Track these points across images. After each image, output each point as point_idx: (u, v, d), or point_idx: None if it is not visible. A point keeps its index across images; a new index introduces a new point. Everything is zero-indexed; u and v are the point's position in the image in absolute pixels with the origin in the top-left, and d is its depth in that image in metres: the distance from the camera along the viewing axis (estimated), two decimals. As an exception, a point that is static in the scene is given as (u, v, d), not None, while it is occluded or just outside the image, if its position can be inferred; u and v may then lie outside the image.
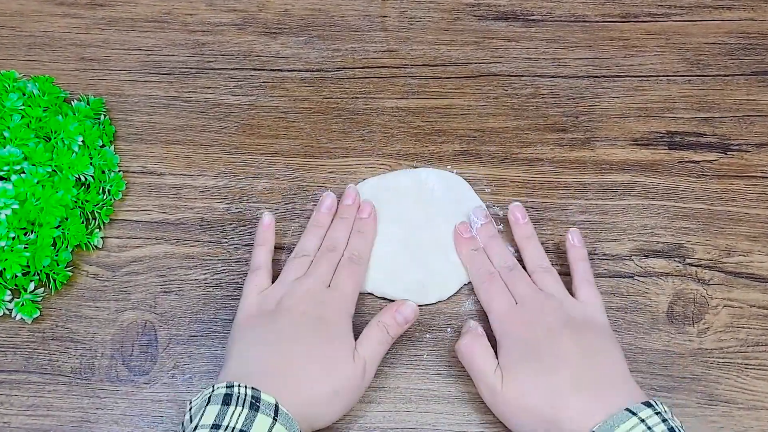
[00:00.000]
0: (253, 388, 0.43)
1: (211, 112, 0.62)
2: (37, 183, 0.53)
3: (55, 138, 0.56)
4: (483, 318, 0.53)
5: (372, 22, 0.66)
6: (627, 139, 0.61)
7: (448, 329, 0.54)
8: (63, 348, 0.53)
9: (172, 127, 0.61)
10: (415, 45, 0.65)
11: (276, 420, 0.43)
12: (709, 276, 0.56)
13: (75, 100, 0.60)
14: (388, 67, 0.64)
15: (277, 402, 0.43)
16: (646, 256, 0.56)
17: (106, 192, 0.57)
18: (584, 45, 0.65)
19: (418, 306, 0.54)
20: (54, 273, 0.54)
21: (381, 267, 0.55)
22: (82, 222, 0.56)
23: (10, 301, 0.53)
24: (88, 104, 0.60)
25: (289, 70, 0.64)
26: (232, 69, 0.64)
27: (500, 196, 0.59)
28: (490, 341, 0.50)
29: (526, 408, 0.46)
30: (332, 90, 0.63)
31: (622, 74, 0.64)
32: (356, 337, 0.49)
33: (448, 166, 0.60)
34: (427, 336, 0.54)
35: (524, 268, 0.54)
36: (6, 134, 0.55)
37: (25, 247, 0.52)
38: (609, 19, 0.66)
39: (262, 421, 0.42)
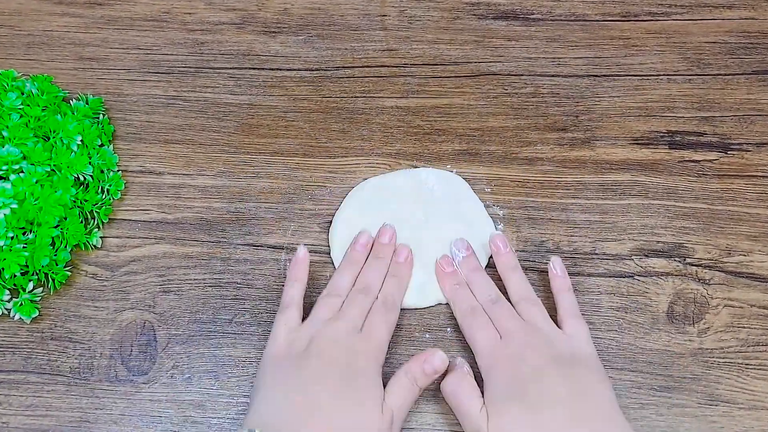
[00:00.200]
0: None
1: (210, 111, 0.62)
2: (36, 182, 0.53)
3: (53, 137, 0.56)
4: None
5: (371, 21, 0.66)
6: (627, 138, 0.61)
7: (448, 329, 0.54)
8: (62, 348, 0.53)
9: (171, 127, 0.61)
10: (414, 44, 0.65)
11: None
12: (709, 276, 0.56)
13: (74, 100, 0.60)
14: (388, 67, 0.64)
15: None
16: (646, 255, 0.56)
17: (105, 191, 0.57)
18: (584, 44, 0.65)
19: (418, 307, 0.54)
20: (53, 273, 0.54)
21: (371, 251, 0.55)
22: (81, 222, 0.55)
23: (8, 301, 0.53)
24: (87, 103, 0.60)
25: (288, 70, 0.64)
26: (231, 68, 0.64)
27: (500, 196, 0.59)
28: (477, 381, 0.49)
29: None
30: (331, 89, 0.63)
31: (622, 73, 0.64)
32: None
33: (448, 166, 0.60)
34: (427, 336, 0.54)
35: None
36: (5, 133, 0.55)
37: (23, 247, 0.52)
38: (609, 18, 0.66)
39: None
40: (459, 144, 0.61)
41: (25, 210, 0.52)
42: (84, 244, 0.56)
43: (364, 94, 0.63)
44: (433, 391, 0.52)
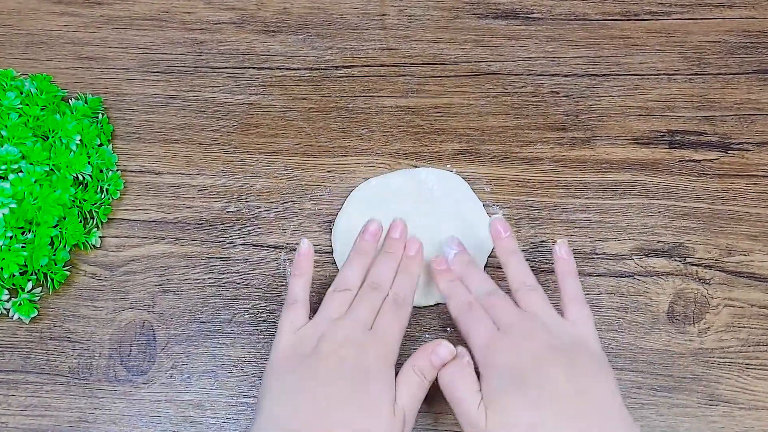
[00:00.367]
0: None
1: (210, 110, 0.62)
2: (35, 182, 0.53)
3: (52, 137, 0.56)
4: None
5: (371, 21, 0.66)
6: (627, 137, 0.61)
7: (448, 329, 0.54)
8: (61, 348, 0.53)
9: (170, 126, 0.61)
10: (414, 43, 0.65)
11: None
12: (709, 275, 0.55)
13: (73, 99, 0.60)
14: (388, 66, 0.64)
15: None
16: (646, 255, 0.56)
17: (104, 191, 0.57)
18: (584, 43, 0.65)
19: (419, 306, 0.54)
20: (52, 272, 0.54)
21: (382, 245, 0.54)
22: (80, 221, 0.55)
23: (7, 301, 0.53)
24: (86, 103, 0.60)
25: (287, 69, 0.64)
26: (230, 67, 0.64)
27: (500, 195, 0.58)
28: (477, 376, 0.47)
29: None
30: (331, 88, 0.63)
31: (622, 73, 0.64)
32: None
33: (448, 165, 0.60)
34: (427, 336, 0.54)
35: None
36: (3, 133, 0.55)
37: (22, 247, 0.52)
38: (609, 18, 0.66)
39: None
40: (459, 143, 0.60)
41: (24, 209, 0.52)
42: (83, 243, 0.56)
43: (364, 94, 0.63)
44: (433, 392, 0.52)
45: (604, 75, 0.63)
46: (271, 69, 0.64)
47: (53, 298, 0.55)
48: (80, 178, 0.56)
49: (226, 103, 0.62)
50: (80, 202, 0.56)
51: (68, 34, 0.65)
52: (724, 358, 0.53)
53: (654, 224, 0.57)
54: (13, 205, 0.52)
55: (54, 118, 0.57)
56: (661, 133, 0.61)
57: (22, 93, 0.57)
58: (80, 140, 0.57)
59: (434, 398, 0.51)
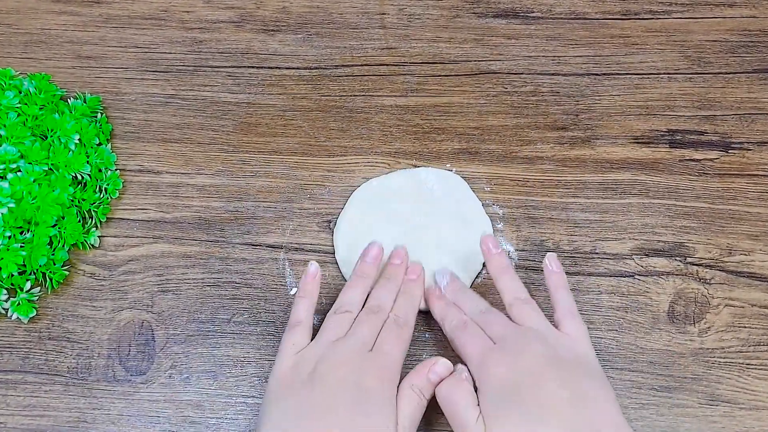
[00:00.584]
0: None
1: (209, 110, 0.62)
2: (34, 181, 0.53)
3: (51, 136, 0.56)
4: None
5: (371, 20, 0.66)
6: (627, 137, 0.61)
7: (448, 329, 0.54)
8: (59, 348, 0.53)
9: (169, 126, 0.61)
10: (414, 42, 0.65)
11: None
12: (710, 275, 0.55)
13: (71, 98, 0.60)
14: (387, 65, 0.64)
15: None
16: (646, 255, 0.56)
17: (103, 190, 0.57)
18: (584, 42, 0.65)
19: (421, 311, 0.54)
20: (50, 272, 0.54)
21: (383, 272, 0.54)
22: (79, 221, 0.55)
23: (6, 301, 0.53)
24: (85, 102, 0.60)
25: (287, 68, 0.64)
26: (229, 67, 0.64)
27: (500, 195, 0.58)
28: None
29: None
30: (331, 88, 0.63)
31: (622, 72, 0.63)
32: None
33: (448, 165, 0.60)
34: (427, 336, 0.54)
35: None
36: (2, 132, 0.54)
37: (21, 246, 0.52)
38: (609, 17, 0.66)
39: None
40: (459, 143, 0.60)
41: (23, 209, 0.52)
42: (82, 243, 0.55)
43: (363, 93, 0.63)
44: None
45: (605, 74, 0.63)
46: (271, 68, 0.64)
47: (52, 297, 0.55)
48: (79, 177, 0.56)
49: (225, 102, 0.62)
50: (79, 202, 0.56)
51: (67, 33, 0.65)
52: (724, 358, 0.53)
53: (654, 224, 0.57)
54: (11, 205, 0.51)
55: (53, 118, 0.56)
56: (662, 133, 0.61)
57: (20, 92, 0.57)
58: (79, 139, 0.56)
59: (434, 398, 0.51)
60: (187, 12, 0.66)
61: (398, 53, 0.64)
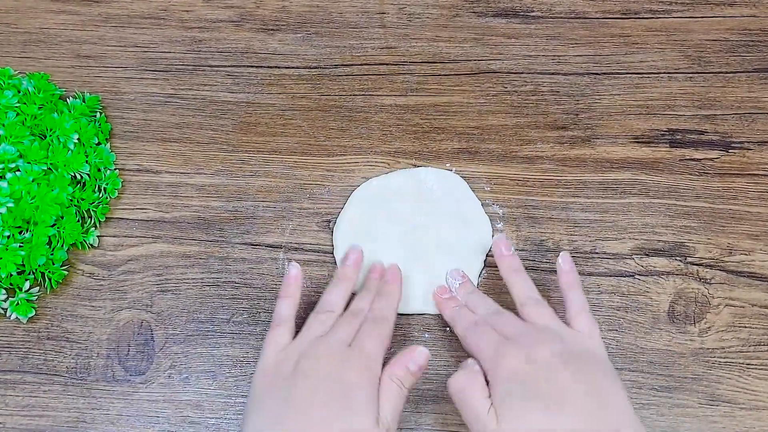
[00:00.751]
0: None
1: (208, 109, 0.62)
2: (33, 181, 0.53)
3: (50, 136, 0.56)
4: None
5: (370, 19, 0.66)
6: (628, 136, 0.60)
7: (447, 329, 0.54)
8: (58, 348, 0.53)
9: (168, 125, 0.61)
10: (413, 42, 0.65)
11: None
12: (710, 275, 0.55)
13: (70, 98, 0.60)
14: (387, 64, 0.64)
15: None
16: (647, 254, 0.56)
17: (102, 190, 0.57)
18: (584, 42, 0.65)
19: (424, 314, 0.54)
20: (49, 272, 0.54)
21: (364, 284, 0.54)
22: (78, 220, 0.55)
23: (5, 301, 0.53)
24: (84, 102, 0.60)
25: (286, 67, 0.64)
26: (229, 66, 0.63)
27: (500, 195, 0.58)
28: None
29: None
30: (330, 87, 0.63)
31: (622, 71, 0.63)
32: None
33: (447, 164, 0.59)
34: (426, 336, 0.54)
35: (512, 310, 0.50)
36: (1, 132, 0.54)
37: (20, 246, 0.51)
38: (609, 16, 0.66)
39: None
40: (458, 142, 0.60)
41: (22, 209, 0.52)
42: (81, 243, 0.55)
43: (363, 92, 0.63)
44: (432, 392, 0.52)
45: (605, 73, 0.63)
46: (270, 67, 0.64)
47: (51, 297, 0.54)
48: (78, 177, 0.56)
49: (224, 101, 0.62)
50: (78, 202, 0.55)
51: (66, 32, 0.65)
52: (724, 358, 0.53)
53: (654, 223, 0.57)
54: (10, 204, 0.51)
55: (52, 117, 0.56)
56: (662, 132, 0.61)
57: (19, 91, 0.57)
58: (78, 139, 0.56)
59: (434, 399, 0.51)
60: (187, 11, 0.66)
61: (398, 52, 0.64)
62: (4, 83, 0.57)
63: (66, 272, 0.55)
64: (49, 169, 0.54)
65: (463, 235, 0.56)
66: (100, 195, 0.57)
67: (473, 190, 0.58)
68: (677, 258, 0.56)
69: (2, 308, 0.53)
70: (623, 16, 0.66)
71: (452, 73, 0.63)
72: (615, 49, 0.64)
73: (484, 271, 0.56)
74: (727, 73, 0.63)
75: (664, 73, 0.63)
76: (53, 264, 0.54)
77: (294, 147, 0.60)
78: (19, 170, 0.53)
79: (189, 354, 0.53)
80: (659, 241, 0.56)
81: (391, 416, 0.44)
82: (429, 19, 0.66)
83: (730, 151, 0.60)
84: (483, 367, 0.46)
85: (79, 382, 0.52)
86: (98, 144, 0.58)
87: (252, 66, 0.64)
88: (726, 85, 0.63)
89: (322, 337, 0.47)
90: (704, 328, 0.54)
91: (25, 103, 0.56)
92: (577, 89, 0.63)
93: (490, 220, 0.57)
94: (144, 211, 0.58)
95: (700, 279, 0.55)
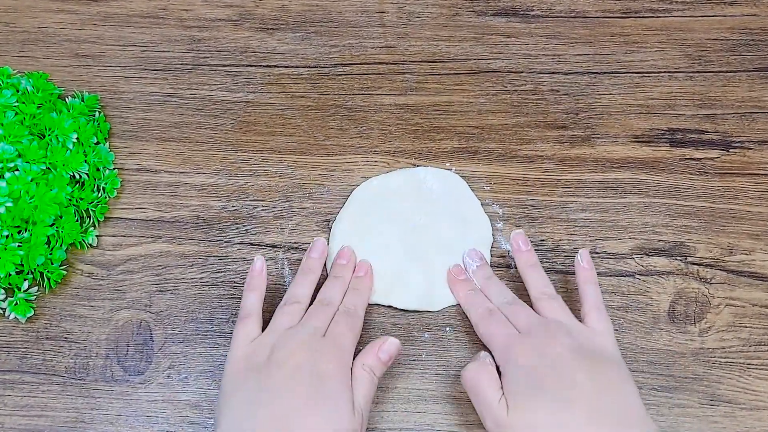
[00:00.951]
0: None
1: (207, 109, 0.61)
2: (31, 180, 0.53)
3: (49, 135, 0.56)
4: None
5: (370, 18, 0.66)
6: (628, 136, 0.60)
7: (447, 329, 0.54)
8: (57, 347, 0.53)
9: (167, 124, 0.61)
10: (413, 41, 0.65)
11: None
12: (710, 275, 0.55)
13: (69, 97, 0.60)
14: (386, 64, 0.64)
15: None
16: (647, 254, 0.56)
17: (101, 190, 0.57)
18: (584, 41, 0.65)
19: (418, 311, 0.54)
20: (48, 272, 0.53)
21: (384, 275, 0.54)
22: (77, 220, 0.55)
23: (3, 300, 0.53)
24: (83, 101, 0.59)
25: (285, 67, 0.63)
26: (228, 65, 0.63)
27: (499, 194, 0.58)
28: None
29: None
30: (329, 87, 0.63)
31: (622, 70, 0.63)
32: None
33: (447, 164, 0.59)
34: (426, 336, 0.53)
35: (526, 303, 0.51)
36: (-1, 131, 0.54)
37: (18, 246, 0.51)
38: (609, 15, 0.66)
39: None
40: (458, 142, 0.60)
41: (20, 208, 0.52)
42: (79, 242, 0.55)
43: (363, 92, 0.62)
44: (432, 392, 0.51)
45: (605, 73, 0.63)
46: (269, 67, 0.63)
47: (50, 297, 0.54)
48: (77, 176, 0.56)
49: (223, 101, 0.62)
50: (77, 201, 0.55)
51: (65, 31, 0.65)
52: (725, 357, 0.53)
53: (655, 223, 0.57)
54: (9, 204, 0.51)
55: (50, 116, 0.56)
56: (662, 132, 0.61)
57: (18, 91, 0.57)
58: (77, 138, 0.56)
59: (434, 399, 0.51)
60: (186, 10, 0.66)
61: (397, 52, 0.64)
62: (2, 82, 0.57)
63: (65, 272, 0.55)
64: (48, 168, 0.54)
65: (462, 235, 0.56)
66: (99, 194, 0.57)
67: (473, 190, 0.58)
68: (677, 258, 0.56)
69: (1, 308, 0.53)
70: (623, 15, 0.66)
71: (452, 72, 0.63)
72: (615, 48, 0.64)
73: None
74: (727, 72, 0.63)
75: (665, 72, 0.63)
76: (52, 264, 0.54)
77: (293, 146, 0.60)
78: (17, 170, 0.53)
79: (188, 354, 0.53)
80: (659, 240, 0.56)
81: (365, 403, 0.45)
82: (428, 18, 0.66)
83: (730, 150, 0.60)
84: (495, 356, 0.48)
85: (78, 382, 0.52)
86: (97, 143, 0.58)
87: (251, 65, 0.63)
88: (726, 85, 0.62)
89: (295, 327, 0.48)
90: (704, 327, 0.54)
91: (23, 103, 0.56)
92: (577, 88, 0.62)
93: (490, 219, 0.57)
94: (143, 210, 0.57)
95: (701, 279, 0.55)
